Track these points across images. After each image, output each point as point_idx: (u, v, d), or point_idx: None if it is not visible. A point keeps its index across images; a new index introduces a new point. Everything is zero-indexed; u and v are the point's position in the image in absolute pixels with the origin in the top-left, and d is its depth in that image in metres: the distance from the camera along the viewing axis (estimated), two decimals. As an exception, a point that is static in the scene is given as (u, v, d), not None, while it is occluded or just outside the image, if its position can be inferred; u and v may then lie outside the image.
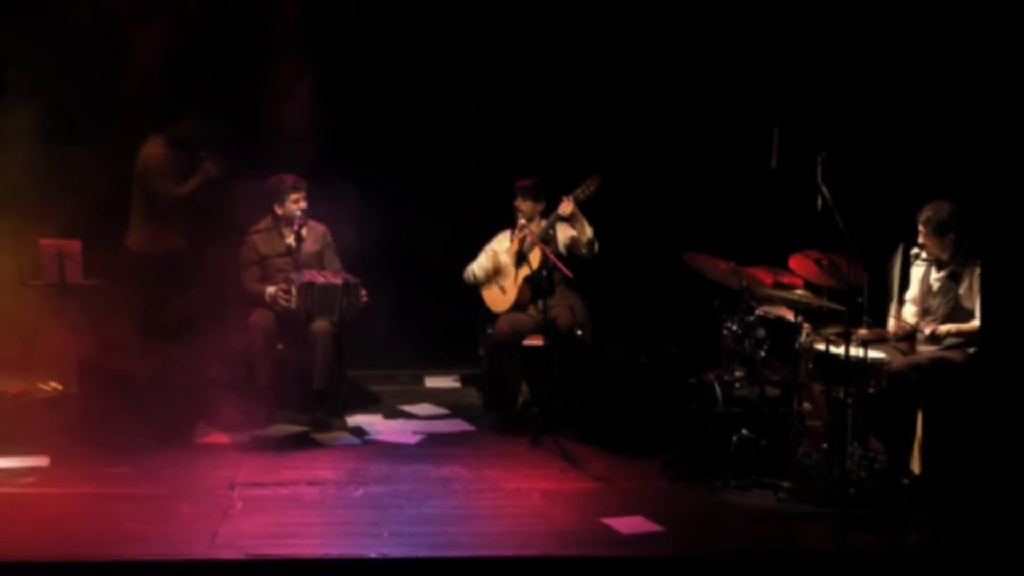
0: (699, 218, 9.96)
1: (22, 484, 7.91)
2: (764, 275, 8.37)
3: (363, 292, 9.22)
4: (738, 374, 8.42)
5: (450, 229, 10.21)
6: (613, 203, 9.54)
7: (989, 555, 6.90)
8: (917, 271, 8.25)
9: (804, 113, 9.12)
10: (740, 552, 7.10)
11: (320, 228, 9.55)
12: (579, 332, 9.31)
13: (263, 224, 9.49)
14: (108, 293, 9.48)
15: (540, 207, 9.50)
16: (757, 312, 8.32)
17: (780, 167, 8.69)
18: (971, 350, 7.85)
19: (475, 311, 9.74)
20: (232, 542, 7.01)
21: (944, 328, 7.97)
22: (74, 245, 9.54)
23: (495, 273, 9.56)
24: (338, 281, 9.15)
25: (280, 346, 9.29)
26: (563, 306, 9.33)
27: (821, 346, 7.96)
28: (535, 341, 9.34)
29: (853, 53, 9.74)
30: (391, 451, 8.82)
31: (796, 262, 8.27)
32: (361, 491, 7.95)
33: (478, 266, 9.62)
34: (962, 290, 7.99)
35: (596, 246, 9.34)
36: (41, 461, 8.29)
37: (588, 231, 9.30)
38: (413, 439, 9.12)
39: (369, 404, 9.99)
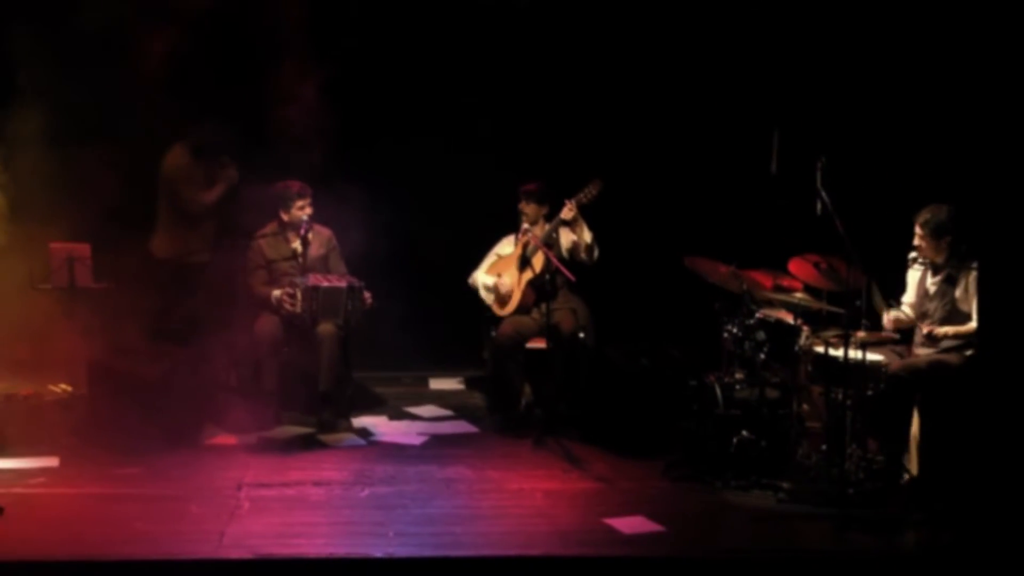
0: (700, 222, 9.95)
1: (32, 484, 7.92)
2: (764, 279, 8.38)
3: (367, 295, 9.22)
4: (738, 376, 8.42)
5: (454, 233, 10.22)
6: (615, 207, 9.55)
7: (988, 555, 6.88)
8: (914, 275, 8.26)
9: (804, 119, 9.11)
10: (740, 552, 7.10)
11: (326, 232, 9.56)
12: (581, 335, 9.30)
13: (269, 229, 9.49)
14: (118, 296, 9.48)
15: (544, 211, 9.50)
16: (757, 315, 8.32)
17: (780, 172, 8.69)
18: (968, 352, 7.84)
19: (479, 314, 9.74)
20: (239, 542, 7.01)
21: (942, 330, 7.97)
22: (84, 249, 9.53)
23: (499, 298, 9.55)
24: (342, 285, 9.15)
25: (286, 349, 9.29)
26: (566, 309, 9.34)
27: (820, 349, 7.96)
28: (538, 344, 9.35)
29: (852, 60, 9.74)
30: (396, 452, 8.83)
31: (795, 266, 8.27)
32: (367, 491, 7.95)
33: (483, 286, 9.60)
34: (958, 293, 7.99)
35: (596, 251, 9.34)
36: (51, 462, 8.30)
37: (587, 236, 9.30)
38: (418, 440, 9.12)
39: (374, 406, 10.00)
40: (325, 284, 9.13)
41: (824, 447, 7.92)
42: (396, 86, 10.42)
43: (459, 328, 10.20)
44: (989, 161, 7.12)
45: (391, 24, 10.29)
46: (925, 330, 8.03)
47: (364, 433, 9.22)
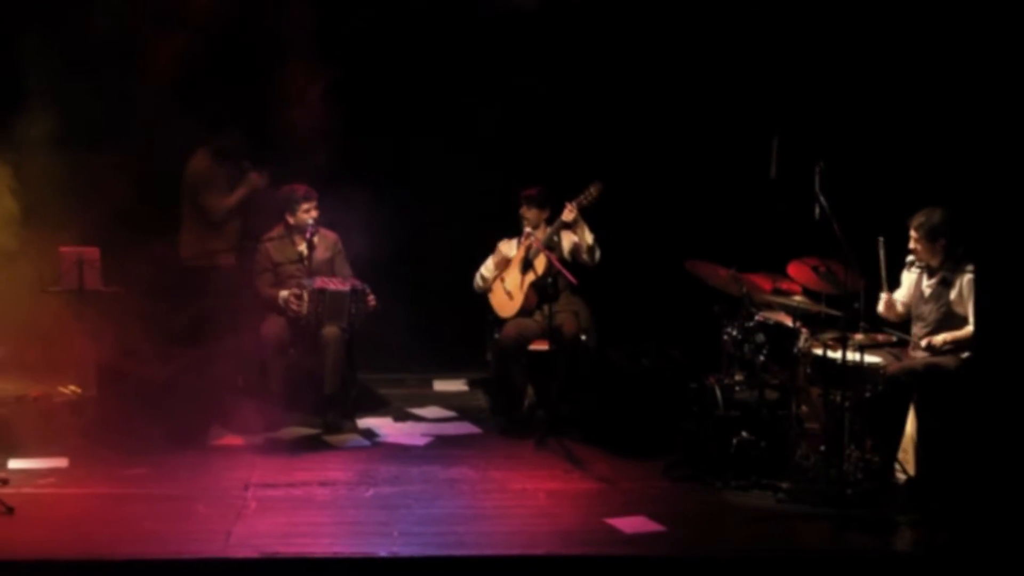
0: (700, 226, 9.95)
1: (42, 484, 7.92)
2: (763, 282, 8.38)
3: (371, 297, 9.23)
4: (738, 378, 8.42)
5: (458, 236, 10.22)
6: (617, 211, 9.56)
7: (984, 555, 6.88)
8: (909, 276, 8.25)
9: (802, 124, 9.10)
10: (740, 551, 7.10)
11: (332, 236, 9.56)
12: (583, 337, 9.30)
13: (276, 232, 9.50)
14: (127, 299, 9.49)
15: (545, 215, 9.50)
16: (757, 318, 8.32)
17: (779, 177, 8.68)
18: (964, 355, 7.84)
19: (482, 316, 9.74)
20: (246, 541, 7.01)
21: (939, 339, 7.95)
22: (93, 252, 9.55)
23: (503, 263, 9.53)
24: (346, 288, 9.16)
25: (292, 351, 9.30)
26: (568, 312, 9.33)
27: (819, 351, 7.96)
28: (541, 346, 9.35)
29: (849, 67, 9.74)
30: (400, 453, 8.83)
31: (794, 269, 8.27)
32: (371, 492, 7.96)
33: (485, 268, 9.62)
34: (953, 296, 7.98)
35: (597, 253, 9.34)
36: (60, 462, 8.31)
37: (589, 238, 9.31)
38: (422, 441, 9.13)
39: (379, 407, 10.00)
40: (331, 287, 9.14)
41: (823, 448, 7.91)
42: (400, 90, 10.41)
43: (463, 330, 10.20)
44: (985, 165, 7.12)
45: (396, 29, 10.30)
46: (923, 343, 8.02)
47: (369, 434, 9.23)
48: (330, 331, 9.09)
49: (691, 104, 10.28)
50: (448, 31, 10.28)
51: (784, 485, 7.88)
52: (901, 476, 7.88)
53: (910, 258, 8.20)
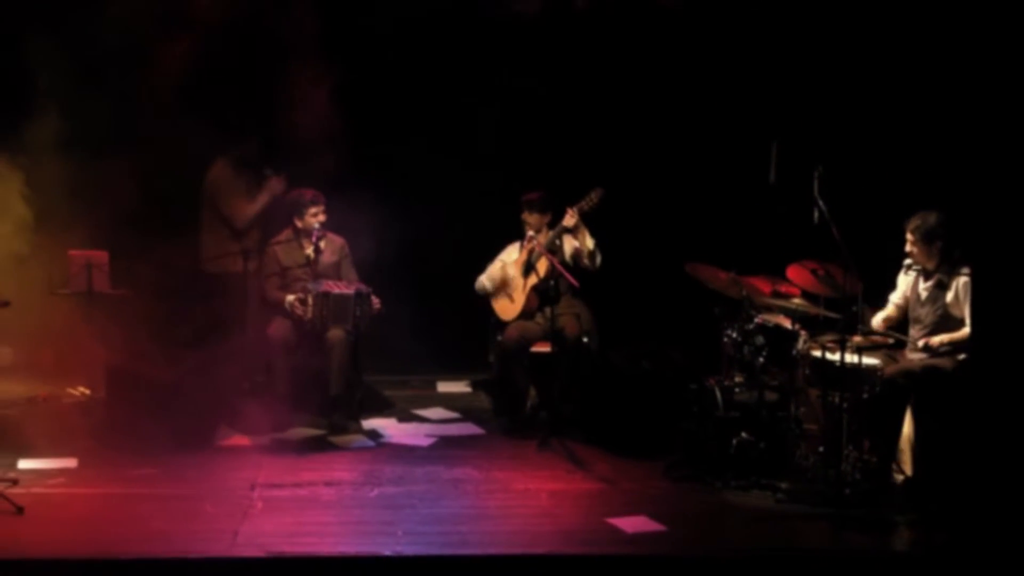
0: (701, 230, 9.95)
1: (52, 484, 7.92)
2: (763, 285, 8.37)
3: (375, 300, 9.23)
4: (738, 379, 8.42)
5: (462, 240, 10.22)
6: (618, 215, 9.55)
7: (981, 554, 6.88)
8: (906, 280, 8.25)
9: (801, 130, 9.10)
10: (740, 551, 7.10)
11: (339, 240, 9.57)
12: (585, 339, 9.31)
13: (284, 236, 9.51)
14: (135, 302, 9.49)
15: (546, 219, 9.50)
16: (756, 320, 8.32)
17: (778, 181, 8.68)
18: (960, 356, 7.84)
19: (485, 319, 9.74)
20: (253, 540, 7.01)
21: (936, 340, 7.95)
22: (101, 256, 9.56)
23: (503, 284, 9.56)
24: (351, 291, 9.16)
25: (298, 353, 9.30)
26: (570, 314, 9.33)
27: (817, 353, 7.95)
28: (543, 348, 9.34)
29: (847, 74, 9.74)
30: (405, 453, 8.82)
31: (793, 272, 8.27)
32: (376, 492, 7.95)
33: (487, 276, 9.62)
34: (949, 298, 7.98)
35: (598, 258, 9.35)
36: (70, 462, 8.30)
37: (590, 243, 9.31)
38: (426, 442, 9.12)
39: (384, 408, 9.99)
40: (335, 291, 9.14)
41: (821, 448, 7.92)
42: (405, 96, 10.41)
43: (466, 333, 10.19)
44: (981, 168, 7.13)
45: (401, 35, 10.30)
46: (920, 343, 8.01)
47: (374, 435, 9.23)
48: (335, 333, 9.09)
49: (691, 109, 10.28)
50: (452, 37, 10.28)
51: (783, 485, 7.88)
52: (899, 476, 7.88)
53: (907, 261, 8.20)
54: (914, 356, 8.06)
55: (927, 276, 8.11)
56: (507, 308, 9.54)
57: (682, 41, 10.16)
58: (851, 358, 7.67)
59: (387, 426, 9.51)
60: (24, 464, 8.19)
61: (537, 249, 9.34)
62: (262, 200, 9.68)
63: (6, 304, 7.95)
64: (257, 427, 9.02)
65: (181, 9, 9.47)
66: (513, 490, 8.04)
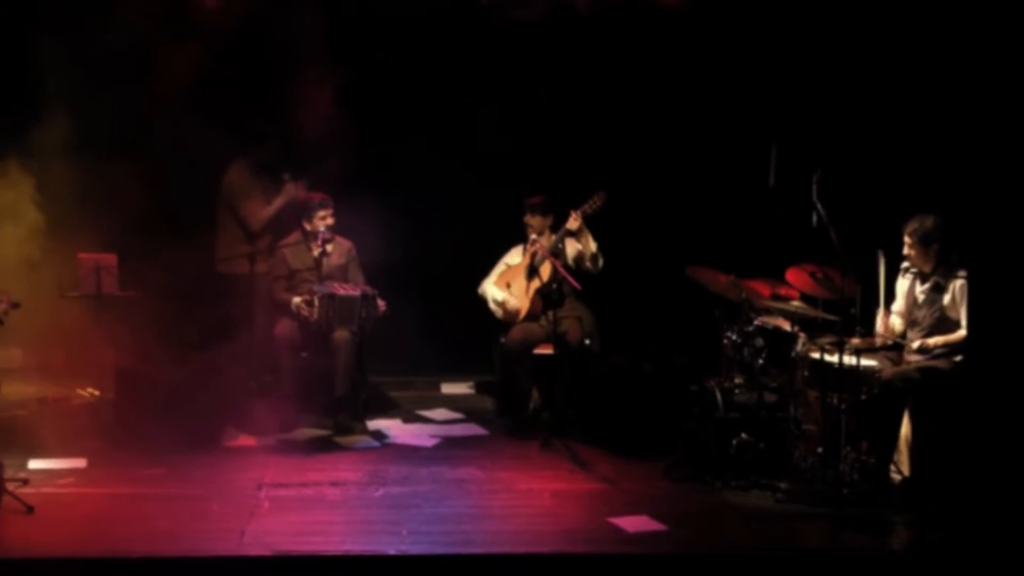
0: (701, 233, 9.95)
1: (61, 484, 7.93)
2: (762, 287, 8.38)
3: (381, 303, 9.23)
4: (738, 381, 8.42)
5: (466, 243, 10.21)
6: (619, 219, 9.55)
7: (977, 554, 6.88)
8: (903, 284, 8.24)
9: (800, 134, 9.10)
10: (740, 550, 7.11)
11: (346, 244, 9.57)
12: (587, 341, 9.31)
13: (292, 238, 9.52)
14: (144, 304, 9.50)
15: (549, 222, 9.51)
16: (756, 322, 8.32)
17: (777, 185, 8.68)
18: (957, 358, 7.83)
19: (489, 321, 9.74)
20: (259, 539, 7.01)
21: (932, 341, 7.95)
22: (110, 259, 9.57)
23: (506, 313, 9.55)
24: (356, 293, 9.17)
25: (304, 355, 9.31)
26: (572, 317, 9.34)
27: (816, 355, 7.96)
28: (546, 350, 9.34)
29: (846, 79, 9.73)
30: (409, 453, 8.83)
31: (792, 275, 8.28)
32: (381, 491, 7.96)
33: (492, 300, 9.59)
34: (946, 300, 7.97)
35: (600, 261, 9.35)
36: (79, 463, 8.32)
37: (592, 246, 9.31)
38: (430, 442, 9.13)
39: (388, 409, 10.00)
40: (341, 292, 9.15)
41: (820, 449, 7.92)
42: (411, 101, 10.42)
43: (470, 335, 10.18)
44: (977, 172, 7.13)
45: (406, 41, 10.30)
46: (916, 344, 8.01)
47: (379, 435, 9.23)
48: (341, 335, 9.09)
49: (691, 114, 10.28)
50: (457, 42, 10.28)
51: (782, 485, 7.88)
52: (896, 477, 7.88)
53: (904, 264, 8.20)
54: (912, 358, 8.05)
55: (924, 279, 8.10)
56: (508, 314, 9.55)
57: (682, 46, 10.15)
58: (849, 360, 7.66)
59: (392, 427, 9.52)
60: (34, 464, 8.20)
61: (540, 252, 9.34)
62: (278, 203, 9.69)
63: (17, 306, 7.96)
64: (263, 428, 9.04)
65: (189, 14, 9.47)
66: (516, 490, 8.04)
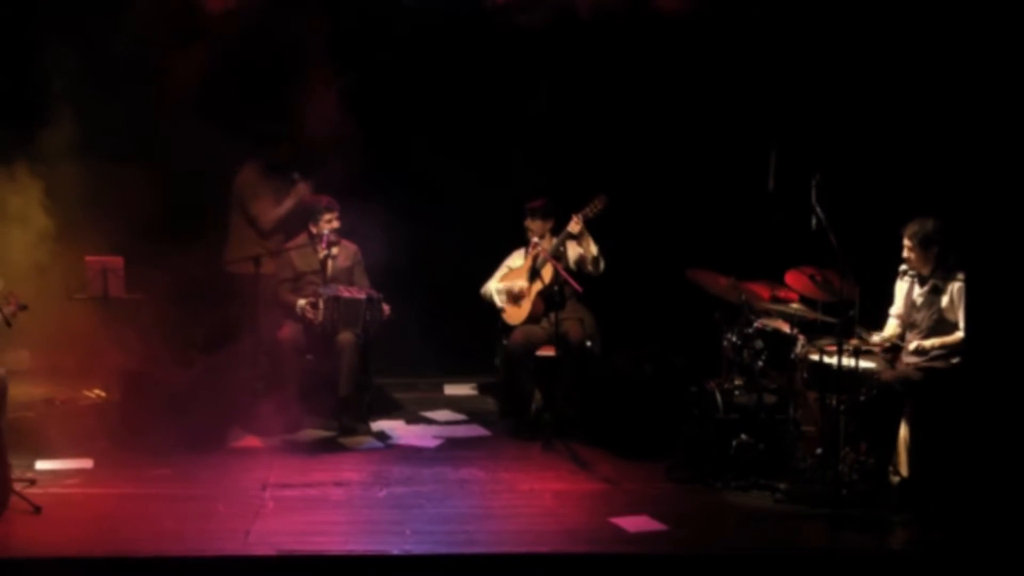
0: (701, 237, 9.95)
1: (68, 485, 7.94)
2: (762, 290, 8.38)
3: (386, 307, 9.24)
4: (737, 382, 8.42)
5: (469, 246, 10.21)
6: (620, 222, 9.55)
7: (975, 553, 6.88)
8: (902, 287, 8.24)
9: (799, 139, 9.11)
10: (739, 550, 7.12)
11: (352, 247, 9.58)
12: (589, 343, 9.31)
13: (299, 240, 9.54)
14: (150, 306, 9.50)
15: (549, 225, 9.51)
16: (755, 324, 8.32)
17: (777, 189, 8.70)
18: (955, 360, 7.83)
19: (492, 323, 9.74)
20: (264, 539, 7.02)
21: (929, 343, 7.95)
22: (117, 261, 9.57)
23: (511, 298, 9.54)
24: (362, 296, 9.18)
25: (308, 357, 9.31)
26: (574, 319, 9.34)
27: (815, 356, 7.95)
28: (548, 352, 9.34)
29: (844, 84, 9.73)
30: (413, 454, 8.83)
31: (792, 278, 8.27)
32: (384, 492, 7.96)
33: (496, 290, 9.60)
34: (945, 303, 7.97)
35: (601, 264, 9.35)
36: (86, 463, 8.32)
37: (593, 249, 9.32)
38: (433, 443, 9.13)
39: (392, 410, 10.00)
40: (346, 295, 9.15)
41: (819, 450, 7.92)
42: (415, 105, 10.42)
43: (472, 337, 10.19)
44: (975, 176, 7.13)
45: (411, 46, 10.32)
46: (912, 345, 8.01)
47: (382, 436, 9.23)
48: (345, 337, 9.10)
49: (692, 119, 10.28)
50: (461, 47, 10.29)
51: (782, 486, 7.88)
52: (895, 477, 7.87)
53: (903, 267, 8.20)
54: (910, 360, 8.05)
55: (922, 282, 8.10)
56: (513, 313, 9.55)
57: (682, 51, 10.15)
58: (848, 361, 7.67)
59: (395, 428, 9.52)
60: (41, 465, 8.21)
61: (542, 255, 9.34)
62: (288, 204, 9.71)
63: (25, 308, 7.96)
64: (268, 429, 9.03)
65: (195, 17, 9.48)
66: (518, 490, 8.05)
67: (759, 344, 8.26)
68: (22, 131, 9.33)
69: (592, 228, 9.30)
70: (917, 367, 7.91)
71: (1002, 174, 6.97)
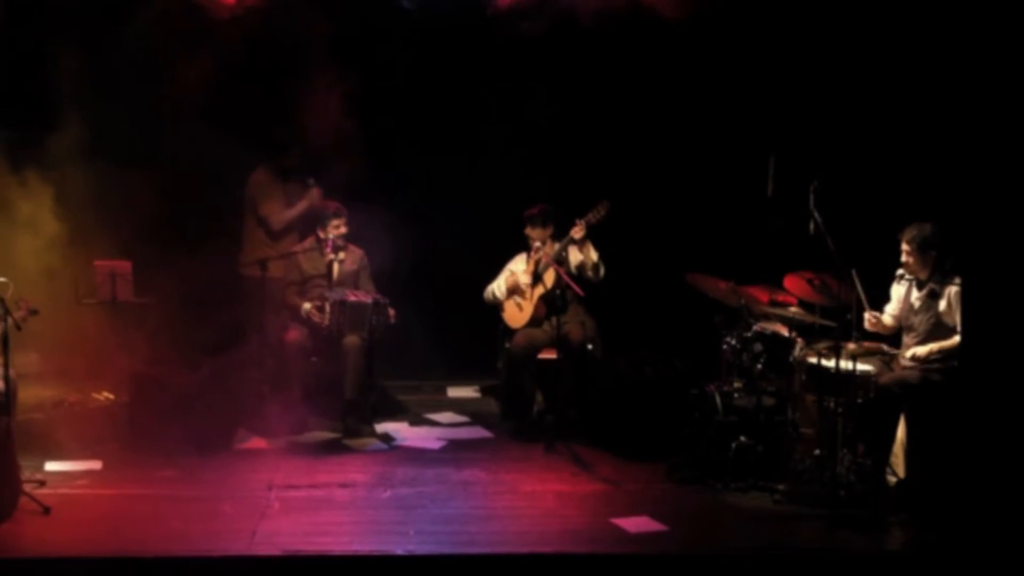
0: (701, 241, 9.95)
1: (77, 486, 7.96)
2: (761, 294, 8.39)
3: (392, 312, 9.25)
4: (737, 385, 8.42)
5: (472, 251, 10.21)
6: (621, 227, 9.55)
7: (971, 553, 6.88)
8: (899, 290, 8.25)
9: (798, 145, 9.12)
10: (739, 550, 7.11)
11: (358, 251, 9.60)
12: (590, 346, 9.31)
13: (308, 244, 9.55)
14: (157, 310, 9.51)
15: (549, 232, 9.51)
16: (754, 328, 8.33)
17: (776, 195, 8.70)
18: (952, 363, 7.82)
19: (494, 327, 9.76)
20: (270, 539, 7.03)
21: (923, 350, 7.94)
22: (125, 265, 9.58)
23: (513, 290, 9.57)
24: (368, 300, 9.19)
25: (314, 359, 9.32)
26: (575, 322, 9.34)
27: (813, 359, 7.95)
28: (549, 355, 9.35)
29: (842, 90, 9.74)
30: (416, 456, 8.84)
31: (790, 282, 8.28)
32: (389, 493, 7.97)
33: (497, 286, 9.63)
34: (942, 307, 7.97)
35: (601, 270, 9.36)
36: (95, 465, 8.34)
37: (593, 255, 9.33)
38: (436, 445, 9.14)
39: (396, 412, 10.01)
40: (352, 299, 9.17)
41: (817, 452, 7.91)
42: (420, 111, 10.44)
43: (475, 340, 10.19)
44: (972, 182, 7.13)
45: (415, 53, 10.34)
46: (908, 353, 8.01)
47: (386, 438, 9.24)
48: (351, 340, 9.11)
49: (692, 125, 10.28)
50: (466, 53, 10.31)
51: (780, 487, 7.89)
52: (892, 479, 7.88)
53: (900, 271, 8.21)
54: (907, 363, 8.05)
55: (920, 285, 8.10)
56: (515, 316, 9.56)
57: (683, 58, 10.16)
58: (846, 364, 7.67)
59: (399, 429, 9.53)
60: (51, 466, 8.23)
61: (544, 260, 9.36)
62: (300, 207, 9.75)
63: (35, 312, 7.98)
64: (274, 430, 9.05)
65: (202, 23, 9.50)
66: (520, 491, 8.05)
67: (758, 347, 8.27)
68: (31, 136, 9.35)
69: (593, 233, 9.31)
70: (914, 370, 7.91)
71: (998, 179, 6.97)
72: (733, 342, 8.38)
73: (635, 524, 7.35)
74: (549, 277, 9.36)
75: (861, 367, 7.85)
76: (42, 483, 7.83)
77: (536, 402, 9.56)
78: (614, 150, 10.45)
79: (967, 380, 7.18)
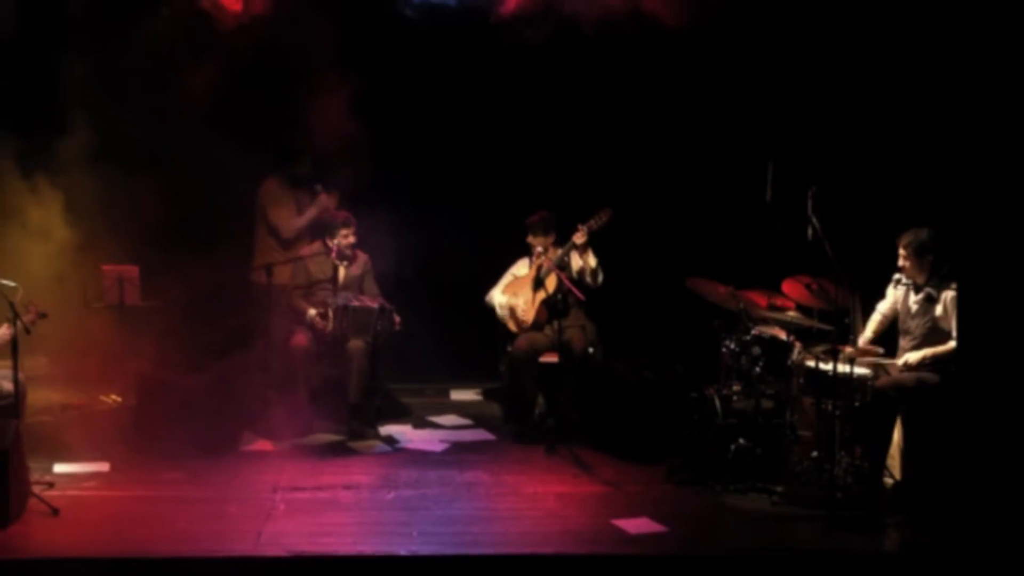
0: (701, 247, 9.96)
1: (85, 487, 7.96)
2: (759, 298, 8.40)
3: (397, 318, 9.26)
4: (736, 388, 8.43)
5: (475, 255, 10.22)
6: (622, 232, 9.55)
7: (966, 554, 6.89)
8: (896, 294, 8.25)
9: (796, 151, 9.12)
10: (738, 551, 7.11)
11: (363, 256, 9.61)
12: (591, 350, 9.32)
13: (315, 249, 9.57)
14: (164, 314, 9.53)
15: (551, 239, 9.52)
16: (753, 332, 8.33)
17: (774, 200, 8.70)
18: (948, 367, 7.83)
19: (497, 330, 9.76)
20: (275, 540, 7.04)
21: (916, 357, 7.92)
22: (132, 270, 9.60)
23: (512, 312, 9.57)
24: (374, 306, 9.20)
25: (319, 363, 9.33)
26: (577, 327, 9.35)
27: (811, 363, 7.97)
28: (551, 358, 9.36)
29: (840, 97, 9.73)
30: (420, 458, 8.85)
31: (788, 286, 8.30)
32: (392, 494, 7.98)
33: (499, 305, 9.62)
34: (938, 311, 7.98)
35: (600, 276, 9.37)
36: (102, 467, 8.35)
37: (592, 262, 9.34)
38: (440, 447, 9.15)
39: (400, 415, 10.01)
40: (356, 304, 9.18)
41: (815, 454, 7.92)
42: (424, 118, 10.45)
43: (478, 343, 10.19)
44: (969, 187, 7.14)
45: (419, 60, 10.36)
46: (900, 361, 8.01)
47: (390, 440, 9.25)
48: (355, 344, 9.12)
49: (691, 132, 10.29)
50: (469, 60, 10.33)
51: (779, 488, 7.89)
52: (888, 481, 7.88)
53: (896, 275, 8.21)
54: (903, 367, 8.05)
55: (917, 290, 8.11)
56: (517, 320, 9.57)
57: (683, 66, 10.17)
58: (843, 368, 7.68)
59: (403, 432, 9.53)
60: (59, 468, 8.23)
61: (546, 265, 9.37)
62: (311, 214, 9.78)
63: (44, 316, 8.01)
64: (279, 433, 9.05)
65: (209, 30, 9.51)
66: (522, 493, 8.06)
67: (757, 351, 8.27)
68: (40, 142, 9.37)
69: (594, 238, 9.31)
70: (911, 374, 7.91)
71: (995, 185, 6.98)
72: (732, 346, 8.38)
73: (635, 525, 7.36)
74: (551, 282, 9.37)
75: (858, 370, 7.86)
76: (51, 485, 7.83)
77: (538, 405, 9.56)
78: (615, 156, 10.46)
79: (963, 383, 7.19)
